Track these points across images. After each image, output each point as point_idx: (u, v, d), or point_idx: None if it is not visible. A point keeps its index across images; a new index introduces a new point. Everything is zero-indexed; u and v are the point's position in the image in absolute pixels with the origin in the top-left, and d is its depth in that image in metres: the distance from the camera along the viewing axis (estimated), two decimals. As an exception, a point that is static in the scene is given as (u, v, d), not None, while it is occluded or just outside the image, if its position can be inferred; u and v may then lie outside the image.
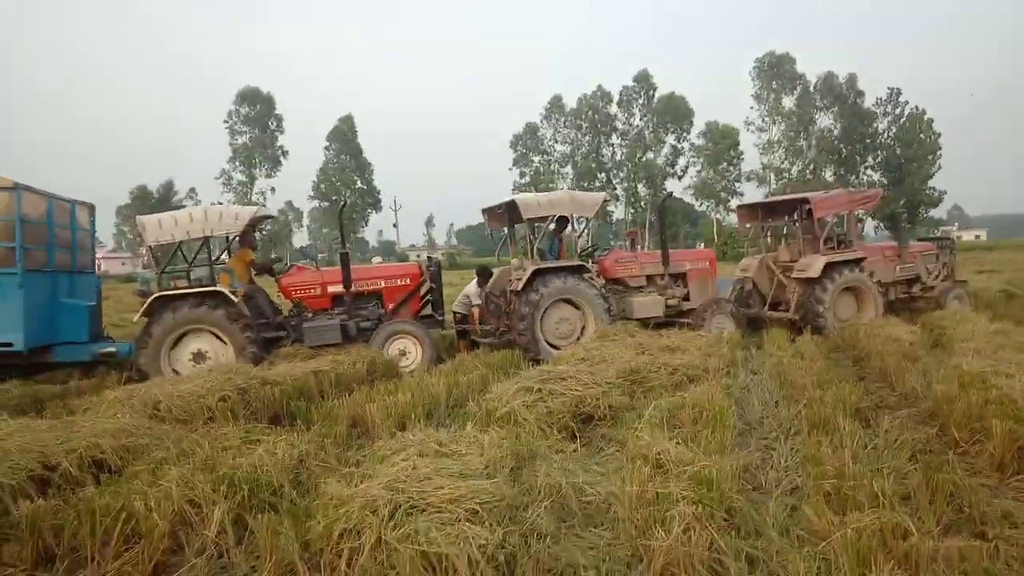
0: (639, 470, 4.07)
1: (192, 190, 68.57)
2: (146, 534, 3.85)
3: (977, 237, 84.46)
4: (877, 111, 60.49)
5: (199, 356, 9.17)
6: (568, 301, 10.55)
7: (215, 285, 9.24)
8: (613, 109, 64.34)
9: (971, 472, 4.68)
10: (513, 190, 62.83)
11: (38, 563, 3.92)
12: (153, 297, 9.03)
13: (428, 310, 10.84)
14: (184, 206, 65.05)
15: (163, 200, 63.92)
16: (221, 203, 57.89)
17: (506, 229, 12.50)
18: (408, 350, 9.93)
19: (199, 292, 9.14)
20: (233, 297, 9.11)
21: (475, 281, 12.07)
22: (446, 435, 5.10)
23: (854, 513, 3.48)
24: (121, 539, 3.89)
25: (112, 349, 9.52)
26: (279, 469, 4.71)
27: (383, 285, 10.50)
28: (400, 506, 3.62)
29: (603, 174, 63.83)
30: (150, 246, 9.33)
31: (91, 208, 10.77)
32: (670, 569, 3.21)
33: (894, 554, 2.97)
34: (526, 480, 4.44)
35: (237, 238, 9.95)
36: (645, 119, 63.65)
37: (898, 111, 60.25)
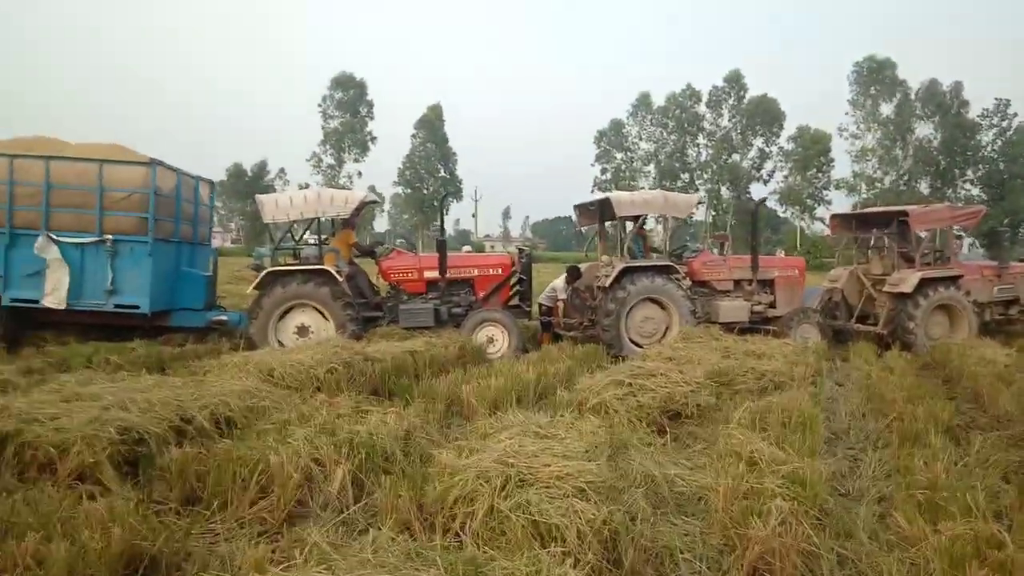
0: (733, 466, 4.28)
1: (282, 170, 71.02)
2: (280, 485, 4.29)
3: (1084, 261, 79.68)
4: (982, 123, 57.57)
5: (302, 330, 9.76)
6: (654, 300, 10.71)
7: (322, 264, 9.82)
8: (701, 109, 63.38)
9: (1066, 497, 4.69)
10: (593, 187, 62.76)
11: (184, 503, 4.42)
12: (266, 272, 9.68)
13: (516, 300, 11.19)
14: (275, 186, 67.65)
15: (256, 179, 66.29)
16: (308, 185, 59.88)
17: (597, 225, 12.73)
18: (496, 337, 10.31)
19: (307, 270, 9.73)
20: (338, 276, 9.67)
21: (563, 277, 12.34)
22: (543, 419, 5.41)
23: (946, 522, 3.61)
24: (256, 487, 4.34)
25: (225, 318, 10.25)
26: (391, 438, 5.11)
27: (476, 274, 10.92)
28: (511, 478, 3.93)
29: (687, 174, 63.00)
30: (266, 224, 9.99)
31: (212, 184, 11.58)
32: (765, 559, 3.43)
33: (988, 562, 3.11)
34: (621, 467, 4.71)
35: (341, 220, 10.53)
36: (734, 120, 62.46)
37: (1005, 123, 57.24)
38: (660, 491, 4.51)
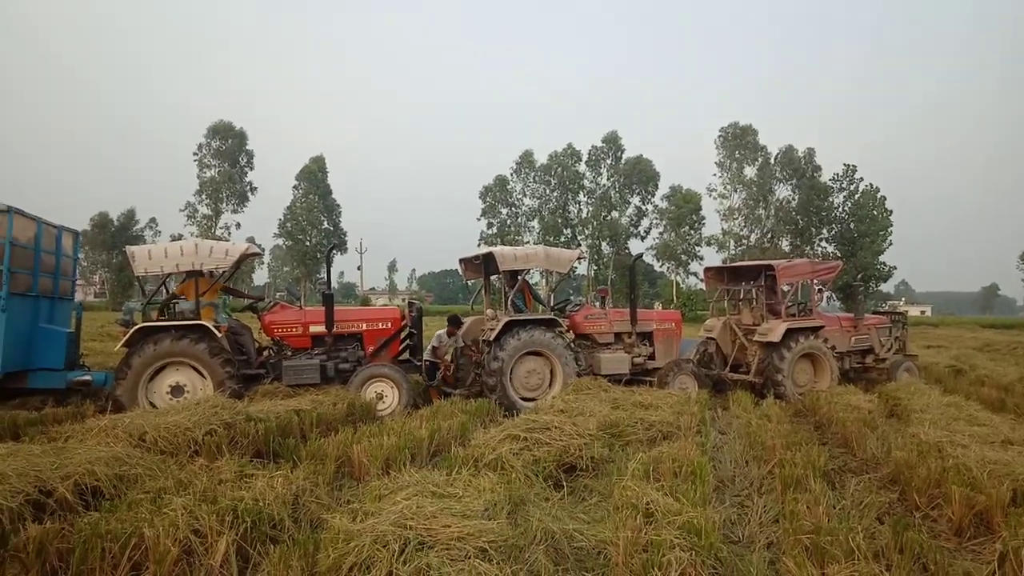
0: (630, 518, 4.31)
1: (152, 220, 67.76)
2: (156, 560, 3.95)
3: (923, 312, 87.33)
4: (833, 186, 62.89)
5: (177, 389, 9.17)
6: (538, 353, 10.80)
7: (199, 319, 9.30)
8: (582, 168, 65.72)
9: (932, 535, 5.02)
10: (480, 241, 63.38)
11: (42, 586, 3.98)
12: (136, 328, 9.06)
13: (407, 355, 10.98)
14: (144, 236, 64.24)
15: (123, 229, 62.91)
16: (181, 236, 57.22)
17: (482, 279, 12.80)
18: (385, 394, 10.04)
19: (182, 325, 9.19)
20: (217, 332, 9.18)
21: (445, 330, 12.25)
22: (440, 477, 5.28)
23: (832, 565, 3.76)
24: (128, 564, 3.98)
25: (88, 378, 9.45)
26: (279, 503, 4.83)
27: (364, 328, 10.64)
28: (409, 542, 3.80)
29: (568, 230, 64.78)
30: (137, 277, 9.38)
31: (76, 235, 10.80)
32: (667, 611, 3.44)
33: (873, 602, 3.25)
34: (521, 524, 4.64)
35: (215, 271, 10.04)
36: (612, 179, 65.10)
37: (853, 187, 62.72)
38: (560, 547, 4.46)
